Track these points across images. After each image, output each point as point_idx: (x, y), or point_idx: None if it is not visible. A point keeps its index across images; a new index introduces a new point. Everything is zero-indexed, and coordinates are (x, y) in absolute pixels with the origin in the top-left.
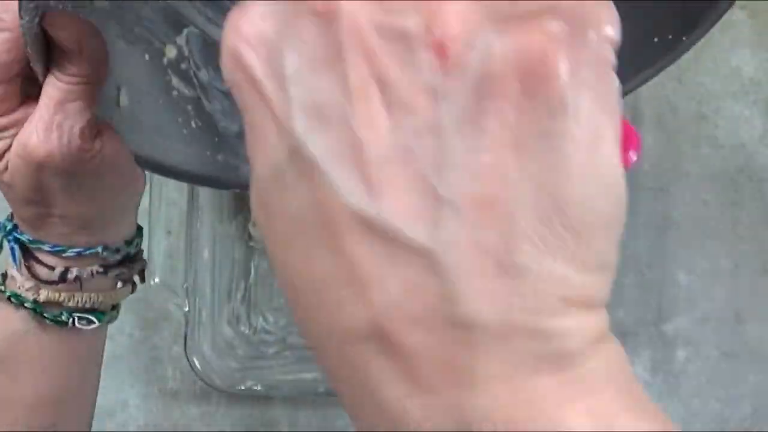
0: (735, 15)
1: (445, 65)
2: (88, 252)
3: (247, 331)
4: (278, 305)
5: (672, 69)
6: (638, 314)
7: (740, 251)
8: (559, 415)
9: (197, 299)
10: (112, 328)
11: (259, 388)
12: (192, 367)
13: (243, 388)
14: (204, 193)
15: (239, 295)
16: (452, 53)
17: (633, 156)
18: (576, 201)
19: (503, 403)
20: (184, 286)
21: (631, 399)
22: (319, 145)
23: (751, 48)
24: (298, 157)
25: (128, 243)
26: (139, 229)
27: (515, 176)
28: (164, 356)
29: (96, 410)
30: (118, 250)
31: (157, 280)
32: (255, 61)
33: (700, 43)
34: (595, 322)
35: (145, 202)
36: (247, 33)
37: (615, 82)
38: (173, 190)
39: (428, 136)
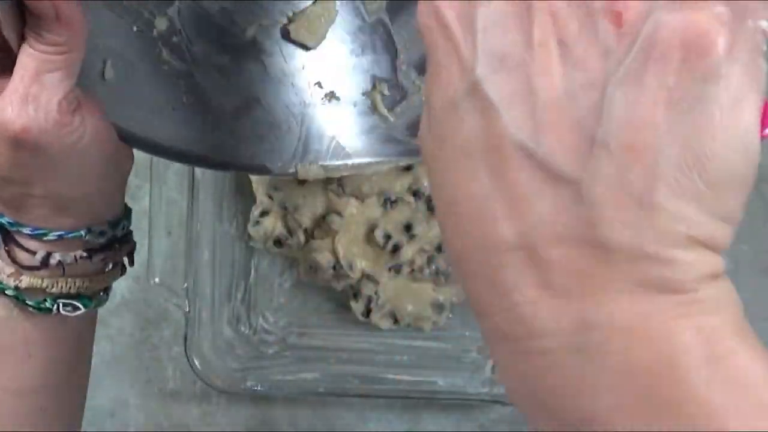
0: None
1: (619, 31)
2: (70, 235)
3: (247, 332)
4: (278, 305)
5: None
6: None
7: (740, 251)
8: (669, 328)
9: (197, 299)
10: (112, 328)
11: (259, 388)
12: (192, 367)
13: (243, 388)
14: (204, 193)
15: (239, 296)
16: (628, 20)
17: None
18: (715, 157)
19: (623, 312)
20: (184, 286)
21: (738, 328)
22: (496, 87)
23: None
24: (475, 94)
25: (113, 225)
26: (127, 210)
27: (665, 129)
28: (164, 356)
29: (96, 410)
30: (102, 233)
31: (157, 280)
32: (449, 12)
33: None
34: (713, 262)
35: (145, 202)
36: None
37: (763, 66)
38: (173, 190)
39: (594, 90)
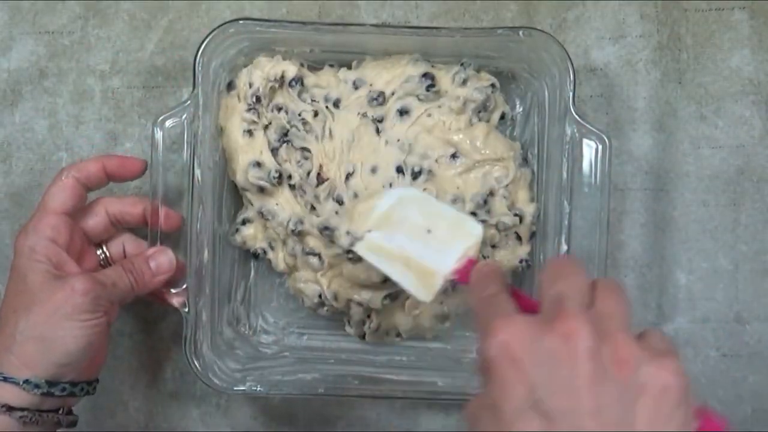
0: (735, 15)
1: (621, 374)
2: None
3: (246, 332)
4: (278, 306)
5: (672, 70)
6: (638, 314)
7: (740, 251)
8: None
9: (197, 300)
10: (112, 328)
11: (258, 388)
12: (191, 367)
13: (243, 388)
14: (204, 194)
15: (239, 296)
16: (628, 368)
17: None
18: None
19: None
20: (184, 286)
21: None
22: (552, 404)
23: (751, 48)
24: (536, 405)
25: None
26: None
27: None
28: (163, 357)
29: (96, 411)
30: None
31: None
32: (517, 347)
33: (700, 44)
34: None
35: (145, 202)
36: (514, 332)
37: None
38: (173, 191)
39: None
